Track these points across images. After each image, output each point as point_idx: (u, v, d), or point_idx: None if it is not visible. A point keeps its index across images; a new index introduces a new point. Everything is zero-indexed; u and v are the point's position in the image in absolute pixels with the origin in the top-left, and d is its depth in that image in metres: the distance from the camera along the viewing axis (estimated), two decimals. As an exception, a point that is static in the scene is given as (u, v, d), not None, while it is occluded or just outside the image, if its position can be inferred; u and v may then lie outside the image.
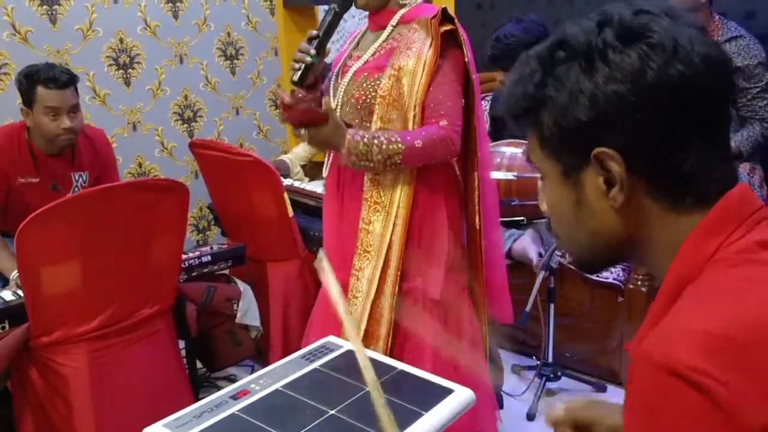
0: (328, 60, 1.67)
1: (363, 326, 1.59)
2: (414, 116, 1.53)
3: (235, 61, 3.32)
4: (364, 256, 1.61)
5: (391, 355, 1.60)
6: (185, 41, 3.11)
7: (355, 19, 3.42)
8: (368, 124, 1.58)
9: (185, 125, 3.18)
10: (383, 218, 1.59)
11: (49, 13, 2.68)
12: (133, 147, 3.00)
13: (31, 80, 2.14)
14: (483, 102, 3.06)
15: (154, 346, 2.00)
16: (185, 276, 2.16)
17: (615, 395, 2.33)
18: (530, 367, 2.49)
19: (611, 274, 2.33)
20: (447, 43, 1.54)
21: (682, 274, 0.63)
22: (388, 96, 1.54)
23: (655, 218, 0.66)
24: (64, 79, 2.16)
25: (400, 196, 1.57)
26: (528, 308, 2.22)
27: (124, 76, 2.94)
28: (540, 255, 2.38)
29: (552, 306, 2.29)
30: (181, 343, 2.18)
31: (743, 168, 2.44)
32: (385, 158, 1.49)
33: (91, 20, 2.81)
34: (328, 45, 1.61)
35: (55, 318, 1.77)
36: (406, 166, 1.53)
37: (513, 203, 2.38)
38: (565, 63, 0.65)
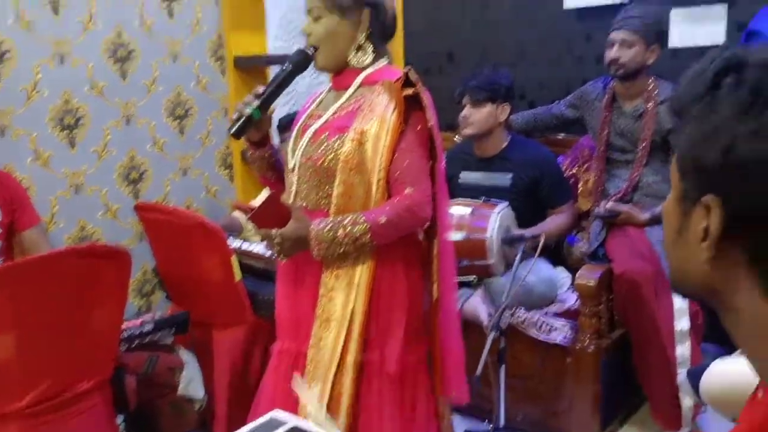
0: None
1: (325, 398, 1.53)
2: (378, 180, 1.52)
3: (184, 121, 3.30)
4: (325, 325, 1.56)
5: (352, 429, 1.55)
6: (133, 102, 3.08)
7: (307, 80, 3.45)
8: (327, 187, 1.56)
9: (131, 186, 3.12)
10: (346, 284, 1.55)
11: (-9, 74, 2.63)
12: (75, 210, 2.92)
13: None
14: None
15: (91, 422, 1.91)
16: (125, 346, 2.09)
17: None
18: None
19: (559, 335, 2.34)
20: (410, 107, 1.54)
21: None
22: (351, 160, 1.52)
23: (750, 298, 0.61)
24: None
25: (362, 264, 1.54)
26: (479, 371, 2.20)
27: (69, 137, 2.88)
28: (490, 315, 2.38)
29: (503, 367, 2.27)
30: (121, 417, 2.08)
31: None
32: (353, 240, 1.48)
33: (36, 81, 2.76)
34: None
35: (-17, 396, 1.68)
36: (380, 242, 1.51)
37: (462, 264, 2.38)
38: (727, 93, 0.59)
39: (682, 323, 2.26)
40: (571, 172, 2.83)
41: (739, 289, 0.62)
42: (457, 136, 2.89)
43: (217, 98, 3.41)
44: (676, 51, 2.75)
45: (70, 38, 2.84)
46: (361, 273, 1.54)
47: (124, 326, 2.06)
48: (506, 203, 2.51)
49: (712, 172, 0.60)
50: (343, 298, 1.54)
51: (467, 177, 2.77)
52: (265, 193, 2.97)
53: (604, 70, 2.61)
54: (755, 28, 2.35)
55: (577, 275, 2.31)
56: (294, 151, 1.63)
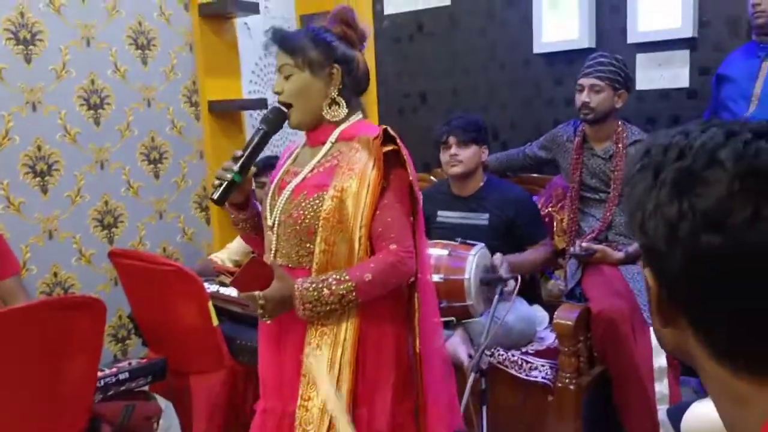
0: None
1: None
2: (360, 237, 1.51)
3: (159, 165, 3.29)
4: (313, 384, 1.53)
5: None
6: (107, 147, 3.07)
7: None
8: (309, 245, 1.54)
9: (105, 231, 3.08)
10: (332, 342, 1.52)
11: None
12: (49, 256, 2.88)
13: None
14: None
15: (64, 478, 1.86)
16: (101, 396, 2.04)
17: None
18: (466, 473, 2.43)
19: (540, 373, 2.35)
20: (390, 164, 1.54)
21: None
22: (332, 218, 1.50)
23: (704, 360, 0.64)
24: None
25: (348, 319, 1.53)
26: (461, 411, 2.19)
27: (41, 183, 2.85)
28: (470, 356, 2.38)
29: (485, 408, 2.27)
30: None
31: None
32: (338, 298, 1.46)
33: (8, 128, 2.74)
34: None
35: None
36: (365, 300, 1.50)
37: (441, 305, 2.39)
38: (639, 176, 0.65)
39: (660, 360, 2.29)
40: (545, 211, 2.88)
41: (695, 352, 0.65)
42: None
43: (192, 142, 3.42)
44: (642, 94, 2.84)
45: (42, 86, 2.84)
46: (347, 330, 1.52)
47: (99, 375, 2.02)
48: (482, 245, 2.54)
49: (642, 247, 0.66)
50: (329, 355, 1.52)
51: (444, 216, 2.80)
52: (239, 240, 2.97)
53: (574, 113, 2.68)
54: (723, 72, 2.44)
55: (555, 316, 2.33)
56: (272, 208, 1.61)
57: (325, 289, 1.46)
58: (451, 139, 2.69)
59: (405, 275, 1.55)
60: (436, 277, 2.44)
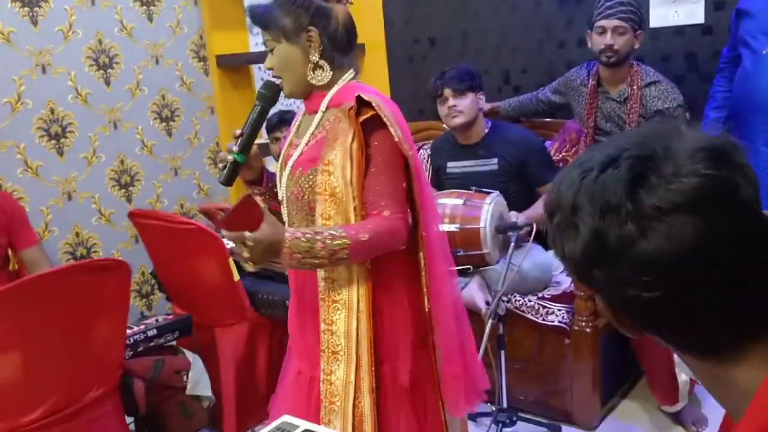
0: None
1: (348, 427, 1.52)
2: (355, 209, 1.49)
3: (171, 122, 3.29)
4: (333, 358, 1.54)
5: None
6: (119, 107, 3.08)
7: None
8: (314, 220, 1.54)
9: (123, 190, 3.12)
10: (345, 315, 1.53)
11: (-26, 88, 2.62)
12: (69, 217, 2.93)
13: None
14: (422, 151, 3.13)
15: (102, 430, 1.94)
16: (131, 352, 2.11)
17: (570, 436, 2.37)
18: (486, 414, 2.50)
19: (557, 317, 2.39)
20: (372, 128, 1.49)
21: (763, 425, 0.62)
22: (324, 192, 1.50)
23: (677, 352, 0.71)
24: None
25: (358, 289, 1.52)
26: (479, 356, 2.25)
27: (57, 145, 2.88)
28: (487, 303, 2.42)
29: (503, 353, 2.32)
30: (130, 419, 2.11)
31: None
32: (330, 253, 1.43)
33: (20, 92, 2.75)
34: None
35: (-5, 412, 1.70)
36: (354, 260, 1.48)
37: (458, 254, 2.42)
38: (549, 222, 0.71)
39: (676, 301, 2.32)
40: (559, 156, 2.87)
41: (669, 345, 0.70)
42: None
43: (203, 98, 3.42)
44: (656, 31, 2.79)
45: (50, 48, 2.83)
46: (359, 299, 1.52)
47: (128, 332, 2.09)
48: (497, 192, 2.55)
49: None
50: (344, 328, 1.53)
51: (454, 166, 2.80)
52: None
53: (587, 54, 2.64)
54: (743, 7, 2.38)
55: (570, 259, 2.35)
56: (280, 183, 1.62)
57: (318, 243, 1.42)
58: (447, 91, 2.67)
59: (399, 242, 1.52)
60: (452, 227, 2.46)
